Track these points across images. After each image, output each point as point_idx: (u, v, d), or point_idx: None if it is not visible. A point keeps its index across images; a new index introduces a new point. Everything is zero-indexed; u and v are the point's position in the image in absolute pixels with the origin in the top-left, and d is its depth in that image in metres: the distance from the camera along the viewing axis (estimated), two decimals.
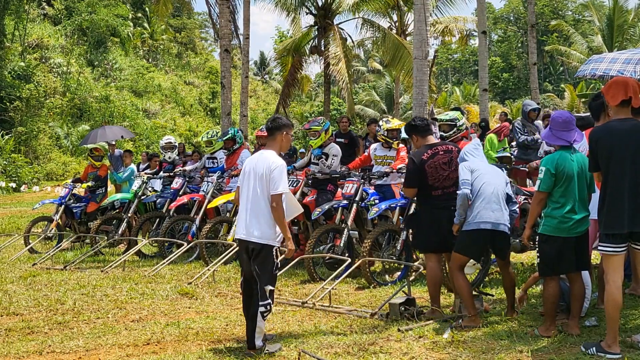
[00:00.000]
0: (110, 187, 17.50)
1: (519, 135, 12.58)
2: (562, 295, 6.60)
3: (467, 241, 6.88)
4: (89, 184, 13.75)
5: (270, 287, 6.18)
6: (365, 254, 8.71)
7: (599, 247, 5.83)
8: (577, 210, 6.18)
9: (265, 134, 11.80)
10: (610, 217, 5.71)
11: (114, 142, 19.13)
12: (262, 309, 6.12)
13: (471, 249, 6.96)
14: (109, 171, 15.04)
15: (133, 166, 15.85)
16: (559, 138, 6.33)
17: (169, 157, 14.49)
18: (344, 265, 8.61)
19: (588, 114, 7.72)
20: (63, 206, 13.46)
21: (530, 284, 7.52)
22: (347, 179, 10.11)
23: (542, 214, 6.34)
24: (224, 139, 12.40)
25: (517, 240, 8.19)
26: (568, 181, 6.17)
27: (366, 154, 10.86)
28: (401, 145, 10.42)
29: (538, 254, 6.40)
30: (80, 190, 14.01)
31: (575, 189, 6.19)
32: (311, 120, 11.12)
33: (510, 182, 8.97)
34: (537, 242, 6.42)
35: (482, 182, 6.87)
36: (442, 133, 8.30)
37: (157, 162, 15.16)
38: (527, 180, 12.37)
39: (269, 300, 6.16)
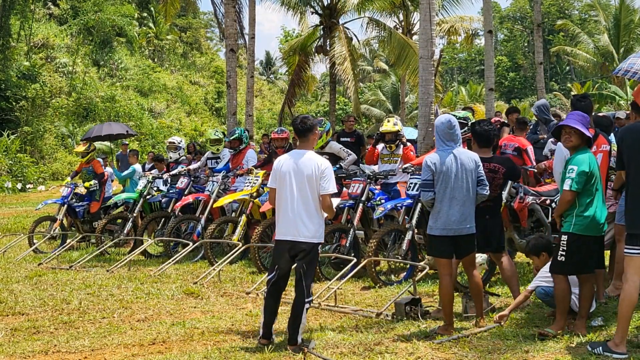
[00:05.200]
0: (117, 185, 17.59)
1: (530, 134, 12.64)
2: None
3: None
4: (90, 182, 13.76)
5: (312, 284, 6.40)
6: (371, 254, 8.69)
7: (625, 250, 5.78)
8: (603, 209, 6.25)
9: (282, 136, 11.91)
10: (632, 217, 5.70)
11: (126, 142, 19.73)
12: (307, 305, 6.28)
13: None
14: (108, 167, 15.22)
15: (136, 165, 15.86)
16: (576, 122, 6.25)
17: (171, 157, 14.51)
18: (350, 265, 8.58)
19: (606, 113, 7.66)
20: (65, 206, 13.48)
21: (520, 301, 7.12)
22: (353, 179, 10.09)
23: (566, 214, 6.28)
24: (231, 138, 12.40)
25: (524, 240, 8.15)
26: (597, 181, 6.21)
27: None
28: (408, 144, 10.40)
29: (563, 254, 6.25)
30: (82, 189, 14.00)
31: (600, 187, 6.26)
32: None
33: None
34: (563, 242, 6.26)
35: (448, 185, 6.46)
36: None
37: (164, 166, 15.03)
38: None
39: (312, 297, 6.40)
